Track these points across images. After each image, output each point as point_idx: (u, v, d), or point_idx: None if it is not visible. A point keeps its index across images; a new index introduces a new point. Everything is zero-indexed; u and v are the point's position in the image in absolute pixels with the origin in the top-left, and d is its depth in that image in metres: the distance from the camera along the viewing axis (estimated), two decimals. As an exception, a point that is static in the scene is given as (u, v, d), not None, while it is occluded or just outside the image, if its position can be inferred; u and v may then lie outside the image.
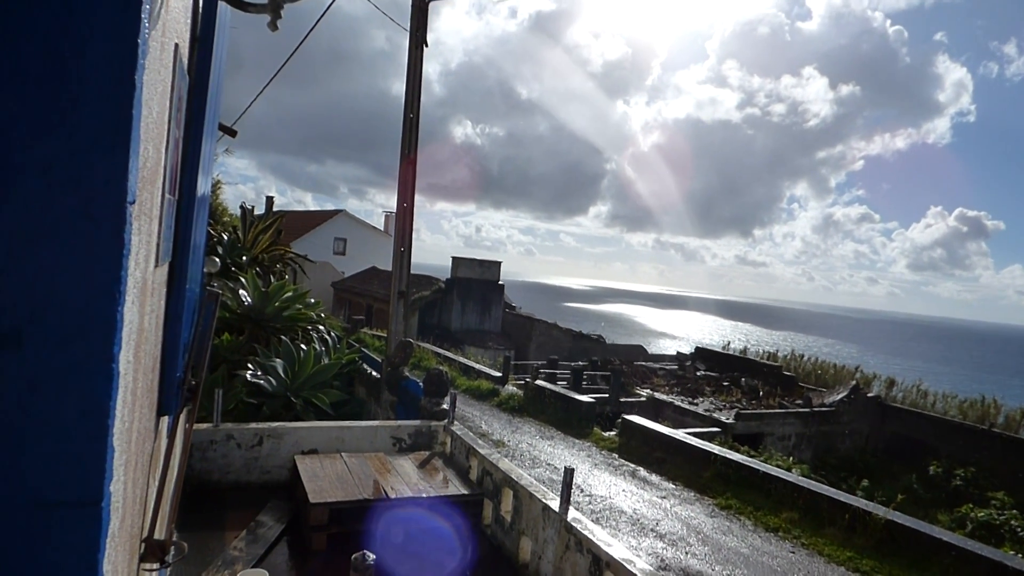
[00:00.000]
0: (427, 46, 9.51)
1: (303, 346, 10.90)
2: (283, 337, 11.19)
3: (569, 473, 5.20)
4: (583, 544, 4.75)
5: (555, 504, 5.27)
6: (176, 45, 1.89)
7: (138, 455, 1.93)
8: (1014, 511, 11.98)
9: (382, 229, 43.03)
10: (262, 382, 9.76)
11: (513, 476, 6.01)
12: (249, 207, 18.92)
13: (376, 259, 38.17)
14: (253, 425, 7.18)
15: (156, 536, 2.33)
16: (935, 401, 19.32)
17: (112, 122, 1.13)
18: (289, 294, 12.18)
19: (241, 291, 11.75)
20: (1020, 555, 9.40)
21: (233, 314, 11.36)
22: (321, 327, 12.76)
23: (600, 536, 4.74)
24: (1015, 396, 24.38)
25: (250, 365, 10.19)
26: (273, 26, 1.85)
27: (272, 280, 14.19)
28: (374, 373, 11.33)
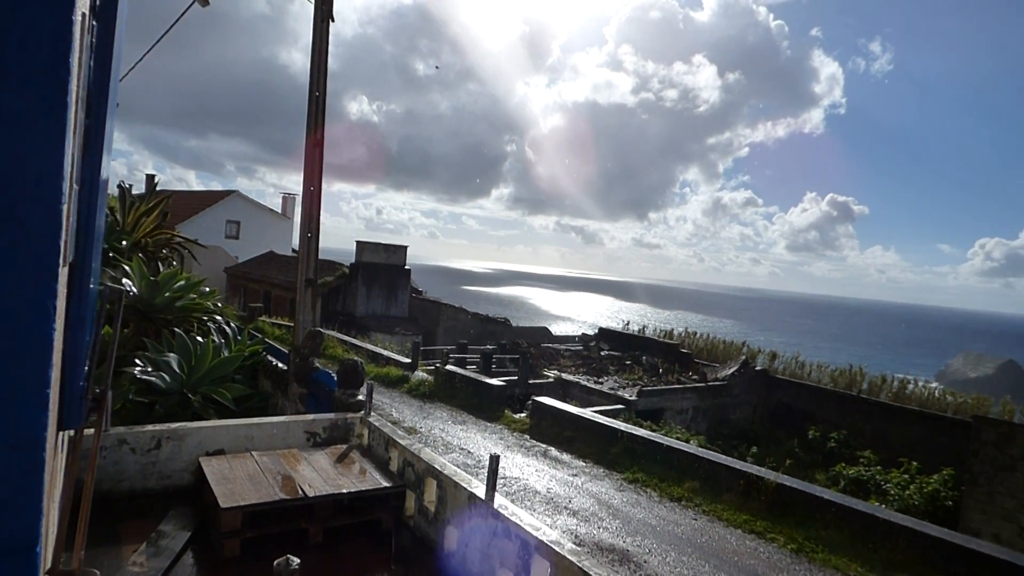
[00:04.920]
0: (333, 20, 9.00)
1: (199, 338, 10.18)
2: (176, 329, 10.39)
3: (495, 460, 5.22)
4: (511, 530, 4.79)
5: (481, 491, 5.28)
6: (83, 15, 1.65)
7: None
8: (878, 467, 13.48)
9: (279, 211, 40.93)
10: (154, 379, 9.04)
11: (436, 466, 5.96)
12: (127, 185, 17.25)
13: (273, 243, 36.40)
14: (149, 427, 6.62)
15: (63, 567, 2.08)
16: (811, 371, 21.25)
17: None
18: (182, 283, 11.31)
19: (124, 280, 10.75)
20: (884, 506, 10.59)
21: (116, 305, 10.39)
22: (219, 317, 11.98)
23: (527, 521, 4.81)
24: (876, 364, 27.42)
25: (138, 361, 9.39)
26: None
27: (160, 267, 13.09)
28: (280, 365, 10.78)
